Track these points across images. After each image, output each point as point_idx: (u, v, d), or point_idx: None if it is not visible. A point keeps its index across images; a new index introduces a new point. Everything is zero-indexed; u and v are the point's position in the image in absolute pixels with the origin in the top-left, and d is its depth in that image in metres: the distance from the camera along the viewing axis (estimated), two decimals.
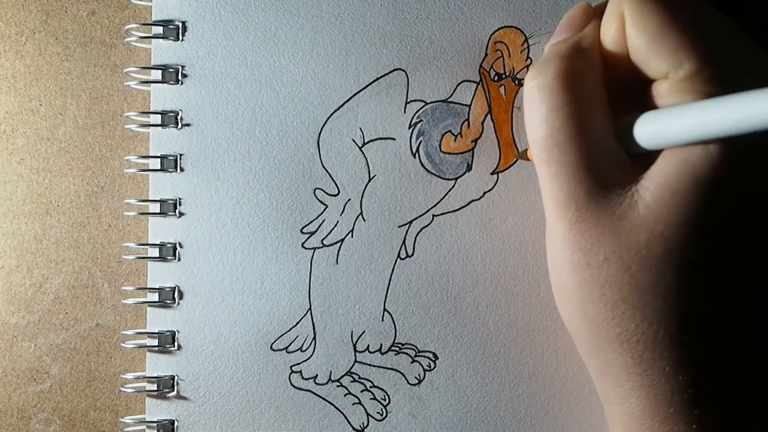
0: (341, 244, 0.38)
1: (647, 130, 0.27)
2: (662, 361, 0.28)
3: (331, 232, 0.38)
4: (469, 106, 0.38)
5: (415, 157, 0.38)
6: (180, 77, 0.38)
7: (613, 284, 0.28)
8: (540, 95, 0.29)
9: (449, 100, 0.38)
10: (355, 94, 0.38)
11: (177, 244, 0.37)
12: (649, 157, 0.28)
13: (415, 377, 0.37)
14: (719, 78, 0.26)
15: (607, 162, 0.28)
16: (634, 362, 0.28)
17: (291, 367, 0.37)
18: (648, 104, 0.28)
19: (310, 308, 0.37)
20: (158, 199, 0.38)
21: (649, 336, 0.28)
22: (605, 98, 0.29)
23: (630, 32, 0.28)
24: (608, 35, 0.29)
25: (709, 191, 0.26)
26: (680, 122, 0.26)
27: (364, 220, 0.38)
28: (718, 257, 0.27)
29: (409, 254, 0.38)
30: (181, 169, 0.38)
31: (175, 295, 0.37)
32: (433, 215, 0.38)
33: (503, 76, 0.37)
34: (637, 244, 0.27)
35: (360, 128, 0.38)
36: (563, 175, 0.28)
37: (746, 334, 0.28)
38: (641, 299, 0.27)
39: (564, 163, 0.28)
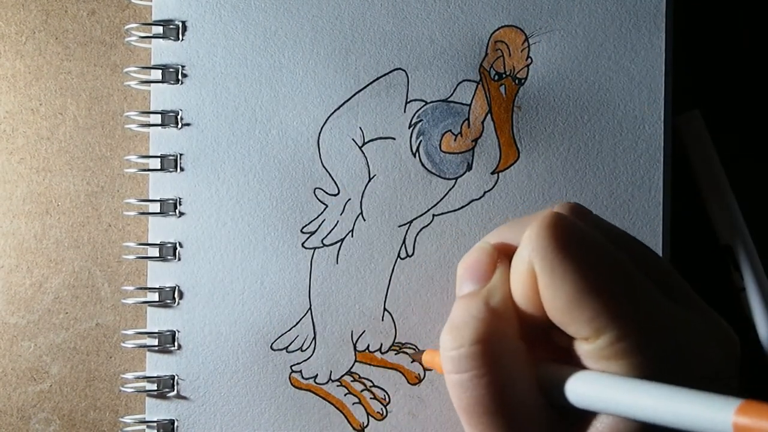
0: (341, 244, 0.38)
1: (579, 392, 0.26)
2: None
3: (331, 231, 0.38)
4: (470, 105, 0.38)
5: (415, 156, 0.38)
6: (180, 77, 0.38)
7: None
8: (460, 364, 0.27)
9: (449, 99, 0.38)
10: (355, 94, 0.38)
11: (177, 244, 0.37)
12: (578, 410, 0.27)
13: (415, 377, 0.37)
14: (643, 344, 0.25)
15: (535, 423, 0.27)
16: None
17: (291, 366, 0.37)
18: (571, 356, 0.27)
19: (310, 308, 0.37)
20: (158, 198, 0.37)
21: None
22: (525, 354, 0.27)
23: (544, 294, 0.26)
24: (519, 290, 0.27)
25: None
26: (614, 395, 0.25)
27: (364, 220, 0.38)
28: None
29: (409, 254, 0.38)
30: (181, 169, 0.37)
31: (175, 295, 0.37)
32: (434, 215, 0.38)
33: (503, 75, 0.37)
34: None
35: (360, 128, 0.38)
36: None
37: None
38: None
39: (492, 429, 0.27)
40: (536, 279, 0.26)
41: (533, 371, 0.27)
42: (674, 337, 0.26)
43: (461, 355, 0.27)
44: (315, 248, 0.37)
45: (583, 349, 0.26)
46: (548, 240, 0.25)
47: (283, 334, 0.37)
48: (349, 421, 0.37)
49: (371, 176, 0.38)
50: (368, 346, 0.38)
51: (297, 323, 0.37)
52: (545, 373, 0.27)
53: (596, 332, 0.25)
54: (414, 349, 0.37)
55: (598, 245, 0.26)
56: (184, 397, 0.37)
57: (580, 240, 0.26)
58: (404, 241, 0.38)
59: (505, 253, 0.28)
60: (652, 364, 0.25)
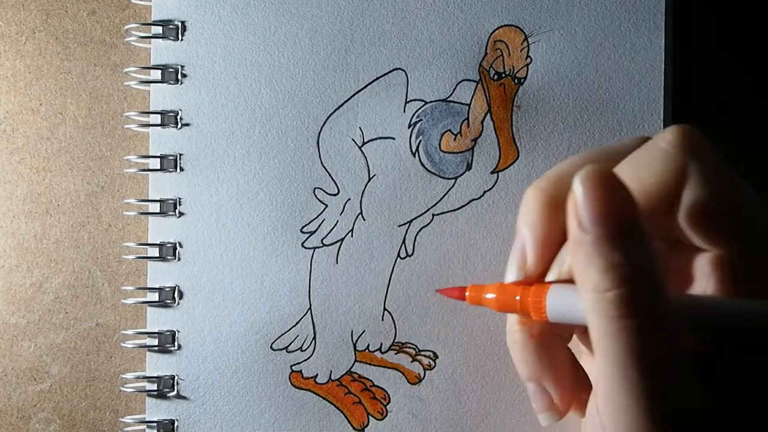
0: (341, 244, 0.38)
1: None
2: None
3: (331, 231, 0.38)
4: (469, 105, 0.38)
5: (414, 156, 0.38)
6: (179, 77, 0.38)
7: None
8: (627, 306, 0.23)
9: (449, 99, 0.38)
10: (354, 94, 0.38)
11: (177, 244, 0.37)
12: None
13: (415, 376, 0.37)
14: None
15: (687, 365, 0.24)
16: None
17: (291, 366, 0.37)
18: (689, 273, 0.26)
19: (310, 308, 0.37)
20: (158, 198, 0.38)
21: None
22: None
23: (696, 195, 0.25)
24: (657, 193, 0.25)
25: None
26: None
27: (364, 220, 0.38)
28: None
29: (409, 253, 0.38)
30: (181, 169, 0.38)
31: (175, 295, 0.37)
32: (433, 214, 0.38)
33: (503, 75, 0.37)
34: None
35: (360, 128, 0.38)
36: (652, 389, 0.24)
37: None
38: None
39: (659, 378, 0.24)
40: (679, 183, 0.25)
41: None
42: None
43: (623, 295, 0.23)
44: (315, 248, 0.37)
45: (710, 260, 0.25)
46: (704, 141, 0.25)
47: (283, 334, 0.37)
48: (349, 421, 0.37)
49: (371, 176, 0.38)
50: (368, 345, 0.38)
51: (297, 323, 0.37)
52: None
53: (733, 236, 0.25)
54: (414, 349, 0.37)
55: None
56: (184, 397, 0.37)
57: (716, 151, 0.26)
58: (404, 241, 0.38)
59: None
60: None
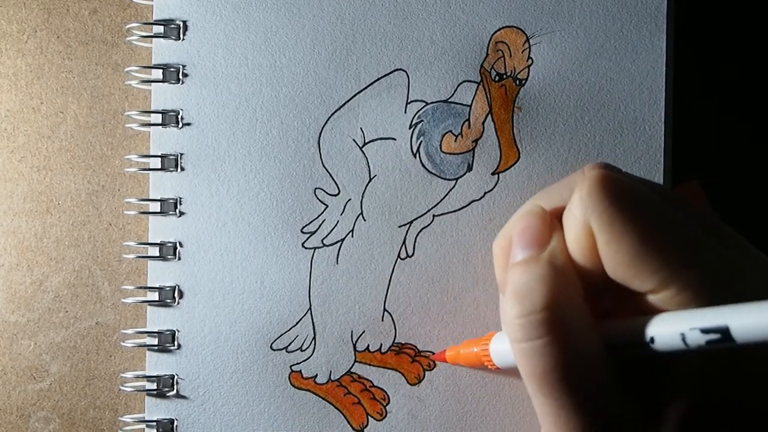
0: (341, 244, 0.38)
1: (661, 332, 0.25)
2: None
3: (331, 231, 0.38)
4: (470, 106, 0.38)
5: (415, 157, 0.38)
6: (181, 76, 0.38)
7: None
8: (531, 331, 0.26)
9: (450, 100, 0.38)
10: (355, 94, 0.38)
11: (177, 244, 0.37)
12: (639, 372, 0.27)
13: (415, 377, 0.37)
14: (709, 291, 0.25)
15: (605, 385, 0.26)
16: None
17: (291, 366, 0.37)
18: (635, 311, 0.27)
19: (310, 308, 0.37)
20: (159, 198, 0.38)
21: None
22: (590, 316, 0.27)
23: (605, 251, 0.25)
24: (576, 251, 0.27)
25: None
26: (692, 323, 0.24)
27: (365, 220, 0.38)
28: None
29: (410, 254, 0.38)
30: (182, 169, 0.38)
31: (175, 295, 0.37)
32: (434, 215, 0.38)
33: (504, 76, 0.37)
34: None
35: (361, 128, 0.38)
36: (571, 405, 0.26)
37: None
38: None
39: (566, 395, 0.26)
40: (593, 238, 0.26)
41: (597, 333, 0.27)
42: (734, 281, 0.26)
43: (532, 322, 0.26)
44: (315, 248, 0.38)
45: (649, 300, 0.26)
46: (603, 197, 0.25)
47: (283, 334, 0.37)
48: (348, 422, 0.37)
49: (372, 176, 0.38)
50: (368, 346, 0.38)
51: (297, 323, 0.37)
52: (614, 330, 0.27)
53: (662, 284, 0.25)
54: (413, 350, 0.37)
55: (649, 197, 0.26)
56: (183, 397, 0.37)
57: (632, 194, 0.26)
58: (404, 242, 0.38)
59: (555, 216, 0.28)
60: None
